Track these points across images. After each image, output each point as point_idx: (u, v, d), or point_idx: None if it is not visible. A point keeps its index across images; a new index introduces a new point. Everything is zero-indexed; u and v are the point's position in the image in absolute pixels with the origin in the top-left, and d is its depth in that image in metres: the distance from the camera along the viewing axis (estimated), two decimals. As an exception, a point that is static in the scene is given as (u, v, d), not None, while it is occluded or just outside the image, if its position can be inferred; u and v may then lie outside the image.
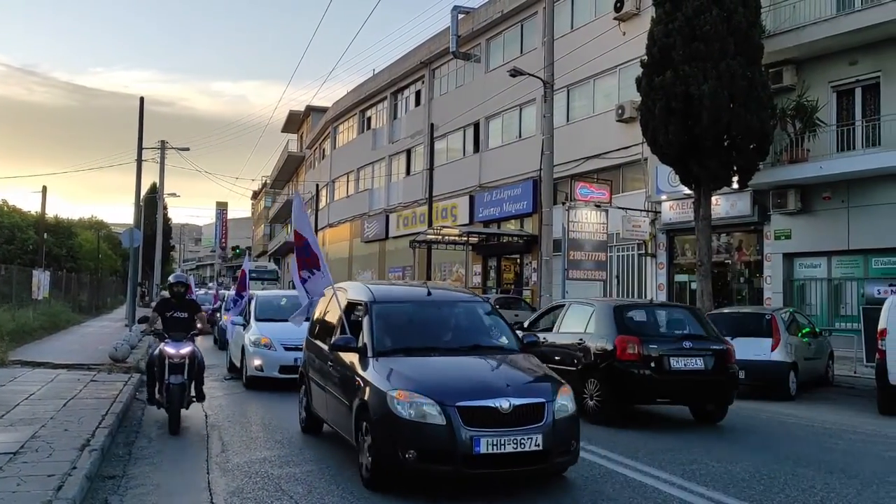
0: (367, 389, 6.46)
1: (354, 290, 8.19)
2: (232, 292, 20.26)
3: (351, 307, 7.91)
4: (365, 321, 7.27)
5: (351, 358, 7.11)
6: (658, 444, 8.56)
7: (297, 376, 12.07)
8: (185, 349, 9.07)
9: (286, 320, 13.51)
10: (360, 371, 6.78)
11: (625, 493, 6.44)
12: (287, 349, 12.58)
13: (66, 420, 8.66)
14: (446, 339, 7.44)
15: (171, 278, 10.08)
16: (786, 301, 19.21)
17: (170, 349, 8.99)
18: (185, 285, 9.91)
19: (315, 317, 9.26)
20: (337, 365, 7.50)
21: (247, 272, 17.33)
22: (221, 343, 19.30)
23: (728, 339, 10.79)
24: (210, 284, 31.45)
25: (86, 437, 7.69)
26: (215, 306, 23.54)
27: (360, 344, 7.10)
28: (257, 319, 13.88)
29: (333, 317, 8.27)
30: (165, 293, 11.00)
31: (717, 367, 9.73)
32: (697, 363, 9.62)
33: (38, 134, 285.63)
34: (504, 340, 7.56)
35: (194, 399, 9.44)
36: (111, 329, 24.78)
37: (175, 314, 9.52)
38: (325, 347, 8.01)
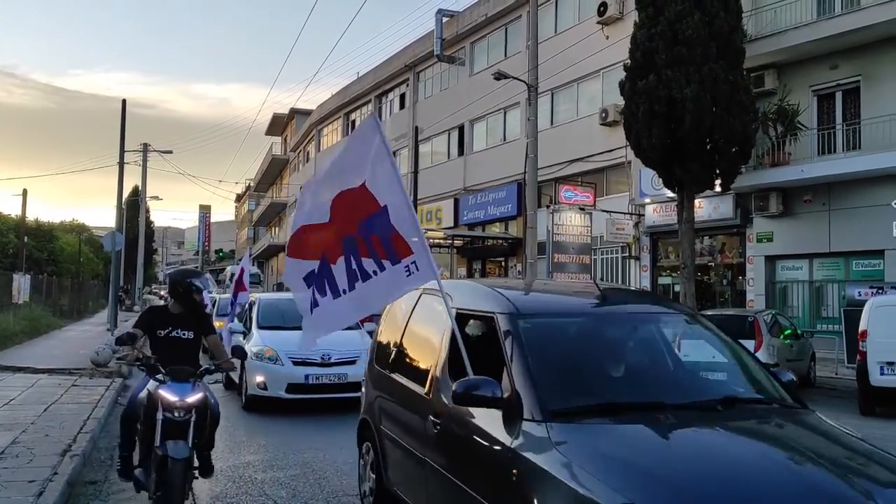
0: (555, 496, 3.25)
1: (467, 294, 5.02)
2: (226, 295, 18.86)
3: (463, 323, 4.84)
4: (512, 350, 4.04)
5: (487, 419, 3.93)
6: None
7: (307, 397, 10.57)
8: (194, 397, 5.42)
9: (296, 328, 11.41)
10: (518, 448, 3.60)
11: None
12: (296, 364, 10.61)
13: (48, 425, 8.58)
14: (665, 386, 4.35)
15: (171, 273, 6.31)
16: (768, 303, 19.36)
17: (168, 394, 5.34)
18: (199, 290, 6.05)
19: (383, 336, 6.22)
20: (453, 423, 4.32)
21: (246, 270, 14.87)
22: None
23: None
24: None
25: (67, 443, 7.62)
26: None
27: (504, 393, 3.85)
28: (260, 327, 11.69)
29: (431, 337, 5.12)
30: (154, 297, 7.93)
31: None
32: None
33: (17, 136, 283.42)
34: (759, 384, 4.35)
35: (197, 475, 5.77)
36: (92, 333, 24.57)
37: (173, 333, 5.87)
38: (420, 390, 4.90)
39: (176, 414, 5.33)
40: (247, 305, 13.38)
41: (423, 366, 5.11)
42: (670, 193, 19.24)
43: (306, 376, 10.56)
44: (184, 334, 5.90)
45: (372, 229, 4.91)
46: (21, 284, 25.92)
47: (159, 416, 5.30)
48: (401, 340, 5.68)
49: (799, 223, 19.00)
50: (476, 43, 33.10)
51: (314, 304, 5.23)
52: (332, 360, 10.68)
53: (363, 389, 6.40)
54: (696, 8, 16.73)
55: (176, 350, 5.79)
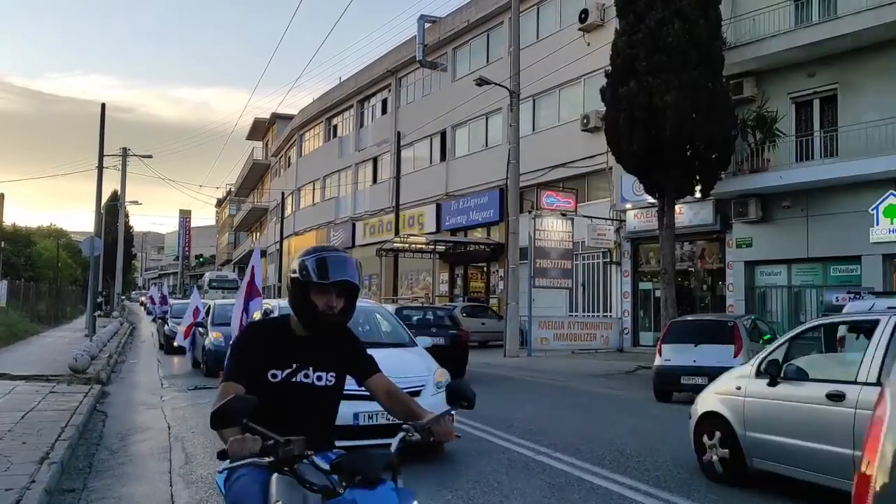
0: None
1: None
2: (226, 301, 17.77)
3: None
4: None
5: None
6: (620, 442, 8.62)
7: (357, 444, 5.79)
8: None
9: None
10: None
11: (585, 493, 6.46)
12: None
13: (25, 433, 8.46)
14: None
15: (306, 264, 2.79)
16: (747, 308, 19.52)
17: None
18: (355, 289, 2.85)
19: None
20: None
21: (256, 268, 10.90)
22: (209, 369, 15.50)
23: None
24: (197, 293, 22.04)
25: (45, 450, 7.51)
26: (199, 320, 17.15)
27: None
28: None
29: None
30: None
31: (452, 343, 15.08)
32: (440, 340, 14.54)
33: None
34: None
35: None
36: (70, 339, 24.30)
37: (299, 377, 2.88)
38: None
39: None
40: (260, 316, 10.19)
41: None
42: (651, 199, 19.38)
43: (356, 415, 7.25)
44: (320, 378, 2.94)
45: None
46: (-3, 290, 25.61)
47: None
48: None
49: (777, 229, 19.19)
50: (458, 49, 33.21)
51: None
52: None
53: None
54: (677, 16, 16.90)
55: (305, 408, 2.90)
